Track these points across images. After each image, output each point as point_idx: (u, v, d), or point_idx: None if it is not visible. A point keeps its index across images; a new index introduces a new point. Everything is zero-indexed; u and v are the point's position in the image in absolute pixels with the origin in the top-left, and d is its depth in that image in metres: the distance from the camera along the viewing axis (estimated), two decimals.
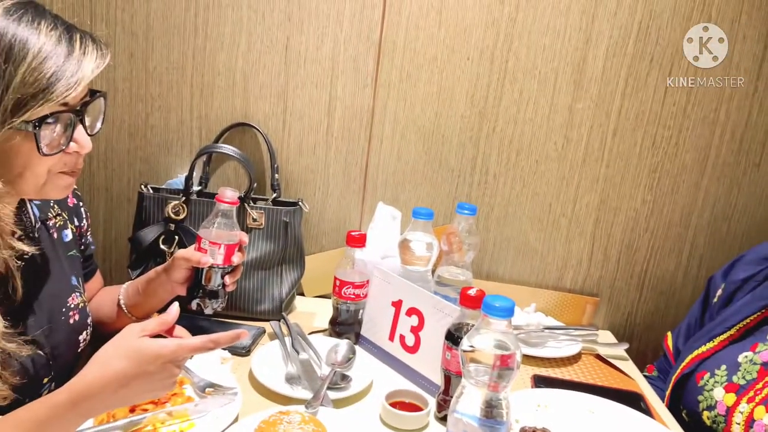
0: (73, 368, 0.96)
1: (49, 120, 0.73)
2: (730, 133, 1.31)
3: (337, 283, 1.17)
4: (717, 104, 1.29)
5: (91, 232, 1.06)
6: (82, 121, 0.79)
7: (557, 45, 1.28)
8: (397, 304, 1.14)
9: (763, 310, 1.05)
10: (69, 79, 0.72)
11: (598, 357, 1.27)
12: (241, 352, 1.12)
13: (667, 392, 1.13)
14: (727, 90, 1.29)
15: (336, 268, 1.18)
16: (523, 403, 1.02)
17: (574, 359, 1.25)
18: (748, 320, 1.06)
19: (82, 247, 1.03)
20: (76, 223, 1.01)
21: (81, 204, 1.03)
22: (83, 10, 1.29)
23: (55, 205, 0.97)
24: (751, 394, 0.96)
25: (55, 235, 0.95)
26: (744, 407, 0.96)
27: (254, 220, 1.24)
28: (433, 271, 1.28)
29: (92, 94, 0.81)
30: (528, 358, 1.22)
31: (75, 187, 1.02)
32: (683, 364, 1.10)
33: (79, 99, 0.78)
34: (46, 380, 0.87)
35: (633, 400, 1.09)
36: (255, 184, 1.24)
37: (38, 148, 0.73)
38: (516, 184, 1.36)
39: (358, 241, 1.16)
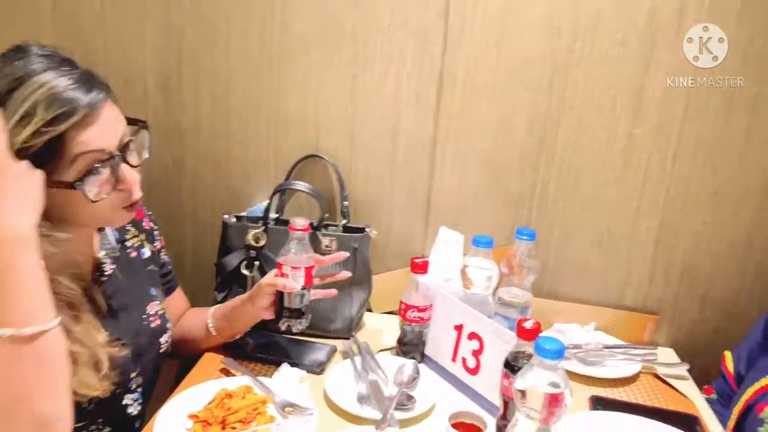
0: (156, 365, 1.14)
1: (90, 173, 0.85)
2: None
3: (403, 306, 1.26)
4: None
5: (165, 251, 1.23)
6: (125, 160, 0.89)
7: (614, 73, 1.31)
8: (459, 328, 1.22)
9: None
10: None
11: (656, 377, 1.31)
12: (317, 370, 1.23)
13: (731, 423, 1.14)
14: None
15: (401, 292, 1.27)
16: (580, 425, 1.08)
17: (632, 379, 1.29)
18: None
19: (160, 264, 1.20)
20: (153, 243, 1.17)
21: (155, 227, 1.19)
22: (171, 56, 1.42)
23: (132, 228, 1.13)
24: None
25: (134, 254, 1.12)
26: None
27: (326, 246, 1.34)
28: (495, 291, 1.34)
29: (133, 123, 0.92)
30: (587, 378, 1.27)
31: (149, 213, 1.17)
32: (747, 396, 1.11)
33: (117, 142, 0.88)
34: (133, 375, 1.04)
35: (689, 423, 1.13)
36: (326, 215, 1.35)
37: (87, 198, 0.85)
38: (575, 208, 1.41)
39: (421, 268, 1.24)
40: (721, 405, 1.26)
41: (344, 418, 1.09)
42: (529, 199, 1.41)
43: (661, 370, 1.32)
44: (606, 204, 1.39)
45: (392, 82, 1.38)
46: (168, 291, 1.23)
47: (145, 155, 0.95)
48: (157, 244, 1.20)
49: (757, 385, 1.09)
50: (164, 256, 1.22)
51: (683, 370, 1.32)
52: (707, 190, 1.35)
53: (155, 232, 1.19)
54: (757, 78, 1.26)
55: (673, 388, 1.27)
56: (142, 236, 1.15)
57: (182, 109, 1.47)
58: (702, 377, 1.38)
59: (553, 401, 0.82)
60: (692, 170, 1.34)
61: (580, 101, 1.34)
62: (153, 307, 1.11)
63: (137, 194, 0.93)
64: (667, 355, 1.42)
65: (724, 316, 1.41)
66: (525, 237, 1.32)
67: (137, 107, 1.46)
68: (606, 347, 1.36)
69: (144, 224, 1.16)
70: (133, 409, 1.06)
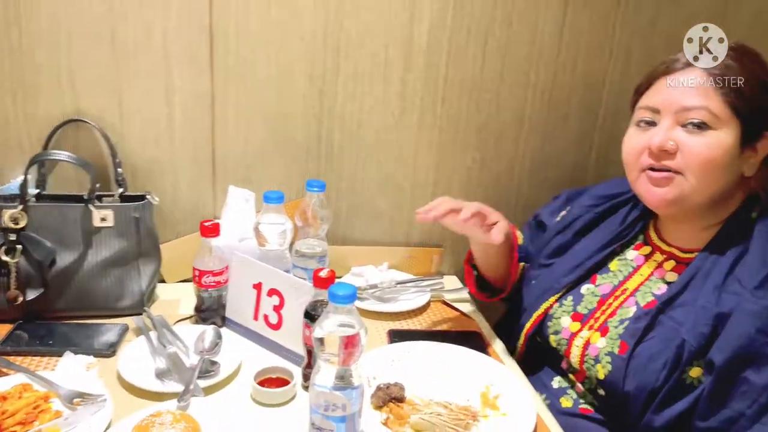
0: None
1: None
2: (540, 92, 1.48)
3: (197, 273, 1.21)
4: (528, 68, 1.45)
5: None
6: None
7: (384, 22, 1.35)
8: (258, 287, 1.21)
9: (599, 253, 1.18)
10: None
11: (444, 303, 1.44)
12: (107, 352, 1.14)
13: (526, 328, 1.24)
14: (534, 54, 1.44)
15: (194, 259, 1.22)
16: (379, 360, 1.15)
17: (424, 308, 1.40)
18: (589, 263, 1.18)
19: None
20: None
21: None
22: None
23: None
24: (591, 322, 1.13)
25: None
26: (584, 333, 1.12)
27: (103, 219, 1.23)
28: (292, 245, 1.35)
29: None
30: (384, 314, 1.35)
31: None
32: (536, 316, 1.21)
33: None
34: None
35: (472, 339, 1.27)
36: (98, 185, 1.22)
37: None
38: (361, 155, 1.45)
39: (211, 230, 1.20)
40: None
41: (144, 397, 1.03)
42: (316, 150, 1.43)
43: (447, 297, 1.45)
44: (388, 149, 1.46)
45: (158, 36, 1.27)
46: None
47: None
48: None
49: (544, 306, 1.19)
50: None
51: (465, 293, 1.46)
52: (473, 128, 1.48)
53: None
54: (505, 24, 1.40)
55: (458, 310, 1.40)
56: None
57: None
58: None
59: (349, 343, 0.86)
60: (459, 111, 1.46)
61: (355, 50, 1.36)
62: None
63: None
64: (452, 282, 1.56)
65: None
66: (315, 188, 1.34)
67: None
68: (399, 283, 1.46)
69: None
70: None
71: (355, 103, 1.41)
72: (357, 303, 1.36)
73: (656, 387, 0.98)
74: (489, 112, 1.47)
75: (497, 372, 1.14)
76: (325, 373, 0.89)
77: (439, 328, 1.33)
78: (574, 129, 1.53)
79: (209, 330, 1.18)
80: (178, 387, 1.04)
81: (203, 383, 1.05)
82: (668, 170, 1.01)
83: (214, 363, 1.11)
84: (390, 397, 1.03)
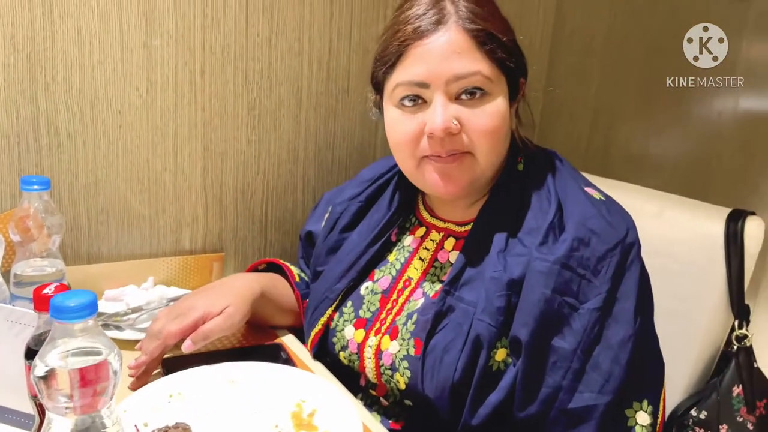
0: None
1: None
2: (316, 61, 1.31)
3: None
4: (299, 33, 1.27)
5: None
6: None
7: None
8: None
9: (371, 248, 1.01)
10: None
11: None
12: None
13: (309, 342, 1.06)
14: (306, 17, 1.27)
15: None
16: (152, 399, 0.85)
17: None
18: (362, 260, 1.01)
19: None
20: None
21: None
22: None
23: None
24: (378, 325, 0.95)
25: None
26: (372, 340, 0.95)
27: None
28: (7, 269, 0.99)
29: None
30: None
31: None
32: (314, 334, 1.02)
33: None
34: None
35: (274, 351, 1.03)
36: None
37: None
38: (100, 143, 1.13)
39: None
40: None
41: None
42: (34, 138, 1.07)
43: None
44: (137, 133, 1.16)
45: None
46: None
47: None
48: None
49: (320, 324, 1.01)
50: None
51: None
52: (244, 104, 1.25)
53: None
54: None
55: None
56: None
57: None
58: None
59: (91, 378, 0.57)
60: (224, 84, 1.22)
61: (76, 6, 1.05)
62: None
63: None
64: None
65: (285, 235, 1.37)
66: (36, 187, 0.99)
67: None
68: (171, 301, 1.16)
69: None
70: None
71: (84, 75, 1.08)
72: (116, 334, 1.04)
73: (456, 381, 0.83)
74: (261, 86, 1.26)
75: (308, 383, 0.91)
76: (60, 430, 0.58)
77: (230, 345, 1.07)
78: (357, 103, 1.38)
79: None
80: None
81: None
82: (457, 153, 0.86)
83: None
84: None
